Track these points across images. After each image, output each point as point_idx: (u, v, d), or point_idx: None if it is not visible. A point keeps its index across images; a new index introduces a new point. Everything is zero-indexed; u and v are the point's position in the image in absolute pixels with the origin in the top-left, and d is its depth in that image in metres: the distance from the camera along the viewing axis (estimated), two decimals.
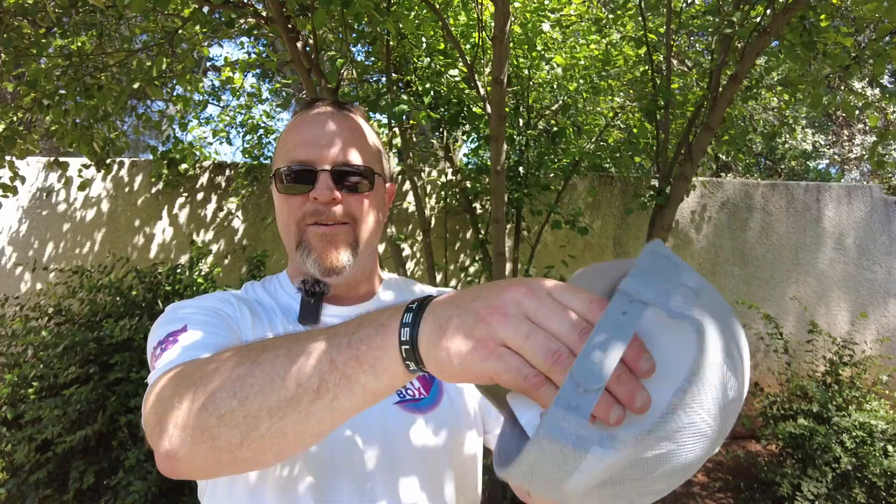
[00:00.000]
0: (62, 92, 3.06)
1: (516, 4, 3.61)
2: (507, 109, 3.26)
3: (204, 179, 4.73)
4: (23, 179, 3.39)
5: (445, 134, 4.22)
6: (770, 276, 4.99)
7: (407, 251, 4.69)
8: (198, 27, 3.36)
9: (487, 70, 3.46)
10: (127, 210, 4.63)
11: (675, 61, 4.29)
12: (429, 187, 4.78)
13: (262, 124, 4.99)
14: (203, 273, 3.86)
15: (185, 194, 4.68)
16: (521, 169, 3.82)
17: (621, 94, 4.38)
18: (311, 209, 0.85)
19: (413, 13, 3.46)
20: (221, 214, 4.69)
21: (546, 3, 3.77)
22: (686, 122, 3.63)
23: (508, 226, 3.71)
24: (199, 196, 4.71)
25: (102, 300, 3.49)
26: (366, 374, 0.50)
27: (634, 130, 4.19)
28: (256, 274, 3.98)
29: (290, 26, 2.68)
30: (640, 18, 3.76)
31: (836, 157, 10.15)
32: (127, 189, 4.66)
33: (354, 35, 3.57)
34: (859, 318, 4.89)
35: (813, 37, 2.75)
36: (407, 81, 3.90)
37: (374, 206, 0.91)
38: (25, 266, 4.45)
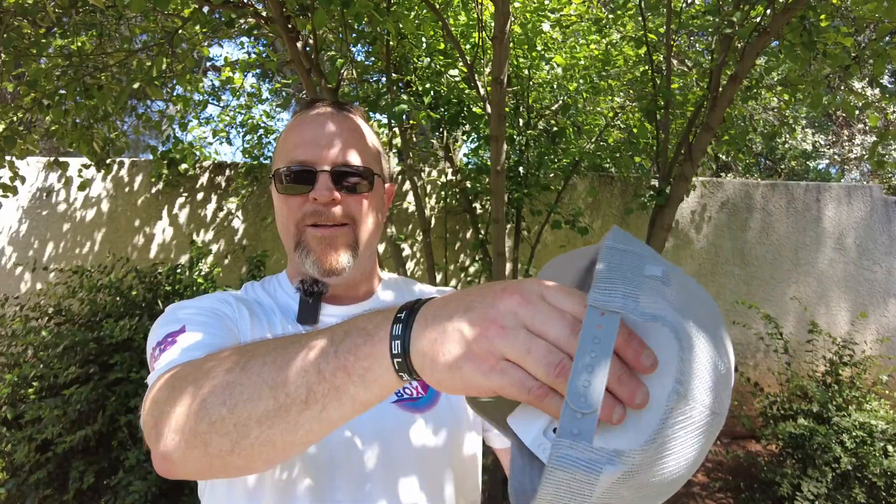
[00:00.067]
0: (62, 92, 3.06)
1: (516, 4, 3.61)
2: (507, 109, 3.26)
3: (204, 179, 4.73)
4: (23, 179, 3.39)
5: (445, 134, 4.22)
6: (770, 276, 4.99)
7: (407, 251, 4.69)
8: (198, 27, 3.36)
9: (487, 70, 3.46)
10: (127, 210, 4.63)
11: (675, 61, 4.29)
12: (429, 187, 4.78)
13: (262, 124, 4.99)
14: (203, 273, 3.86)
15: (185, 194, 4.68)
16: (521, 169, 3.82)
17: (621, 94, 4.38)
18: (310, 209, 0.86)
19: (413, 13, 3.46)
20: (221, 214, 4.70)
21: (546, 3, 3.77)
22: (686, 122, 3.63)
23: (508, 226, 3.71)
24: (199, 196, 4.71)
25: (102, 300, 3.49)
26: (355, 385, 0.49)
27: (634, 130, 4.19)
28: (256, 274, 3.98)
29: (290, 26, 2.68)
30: (640, 18, 3.76)
31: (836, 157, 10.15)
32: (127, 189, 4.66)
33: (354, 35, 3.57)
34: (859, 318, 4.89)
35: (813, 37, 2.75)
36: (407, 81, 3.90)
37: (373, 206, 0.91)
38: (25, 266, 4.45)
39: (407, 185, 4.63)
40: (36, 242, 4.52)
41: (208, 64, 7.75)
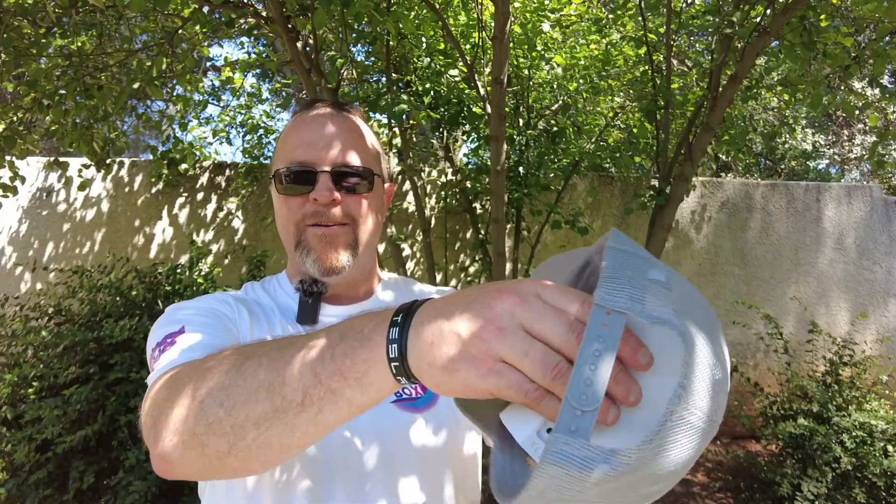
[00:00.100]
0: (62, 92, 3.06)
1: (516, 4, 3.61)
2: (507, 109, 3.26)
3: (204, 179, 4.73)
4: (23, 179, 3.39)
5: (445, 134, 4.22)
6: (770, 276, 4.99)
7: (407, 251, 4.69)
8: (198, 27, 3.36)
9: (487, 70, 3.46)
10: (127, 210, 4.63)
11: (675, 61, 4.29)
12: (429, 187, 4.78)
13: (262, 124, 4.99)
14: (203, 273, 3.86)
15: (185, 194, 4.69)
16: (521, 169, 3.82)
17: (621, 94, 4.38)
18: (311, 210, 0.86)
19: (413, 13, 3.46)
20: (221, 214, 4.70)
21: (546, 3, 3.77)
22: (686, 122, 3.63)
23: (508, 226, 3.71)
24: (199, 196, 4.71)
25: (102, 300, 3.49)
26: (351, 389, 0.49)
27: (634, 130, 4.19)
28: (256, 274, 3.98)
29: (290, 26, 2.68)
30: (640, 18, 3.76)
31: (836, 157, 10.15)
32: (127, 189, 4.66)
33: (354, 35, 3.57)
34: (859, 318, 4.89)
35: (813, 37, 2.75)
36: (407, 81, 3.90)
37: (373, 206, 0.91)
38: (25, 266, 4.45)
39: (407, 185, 4.63)
40: (36, 242, 4.52)
41: (208, 64, 7.75)
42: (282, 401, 0.51)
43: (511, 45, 3.44)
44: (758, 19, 2.94)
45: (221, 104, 5.42)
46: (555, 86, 3.99)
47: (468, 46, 3.74)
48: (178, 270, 3.74)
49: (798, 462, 3.48)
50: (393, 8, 3.16)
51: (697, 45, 5.66)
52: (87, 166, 3.81)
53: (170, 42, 3.05)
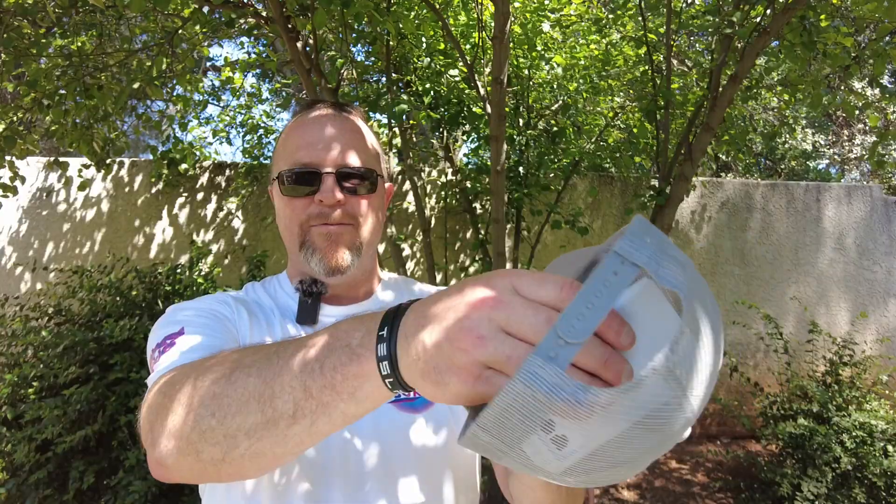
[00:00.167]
0: (62, 92, 3.07)
1: (516, 4, 3.61)
2: (507, 109, 3.26)
3: (204, 179, 4.73)
4: (23, 179, 3.39)
5: (445, 134, 4.22)
6: (770, 276, 4.99)
7: (407, 251, 4.69)
8: (198, 27, 3.36)
9: (487, 70, 3.46)
10: (127, 210, 4.63)
11: (675, 61, 4.29)
12: (429, 187, 4.78)
13: (262, 124, 4.99)
14: (203, 273, 3.86)
15: (185, 194, 4.69)
16: (521, 169, 3.82)
17: (621, 94, 4.38)
18: (315, 211, 0.86)
19: (413, 13, 3.46)
20: (221, 214, 4.70)
21: (546, 3, 3.77)
22: (686, 122, 3.63)
23: (508, 226, 3.71)
24: (199, 196, 4.71)
25: (102, 300, 3.49)
26: (345, 403, 0.49)
27: (634, 130, 4.19)
28: (256, 274, 3.98)
29: (290, 26, 2.68)
30: (640, 18, 3.77)
31: (836, 157, 10.15)
32: (127, 189, 4.66)
33: (354, 35, 3.57)
34: (859, 318, 4.89)
35: (813, 37, 2.75)
36: (407, 81, 3.90)
37: (375, 207, 0.91)
38: (25, 266, 4.45)
39: (407, 185, 4.63)
40: (36, 242, 4.52)
41: (208, 64, 7.75)
42: (273, 412, 0.51)
43: (511, 45, 3.44)
44: (758, 19, 2.94)
45: (221, 104, 5.42)
46: (555, 86, 3.99)
47: (468, 46, 3.74)
48: (178, 270, 3.74)
49: (798, 462, 3.48)
50: (393, 8, 3.16)
51: (697, 45, 5.66)
52: (87, 166, 3.81)
53: (170, 42, 3.05)
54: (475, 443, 0.41)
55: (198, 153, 4.95)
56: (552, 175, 4.32)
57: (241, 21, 3.21)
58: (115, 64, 3.34)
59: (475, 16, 3.55)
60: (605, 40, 4.07)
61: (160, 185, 4.64)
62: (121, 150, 3.81)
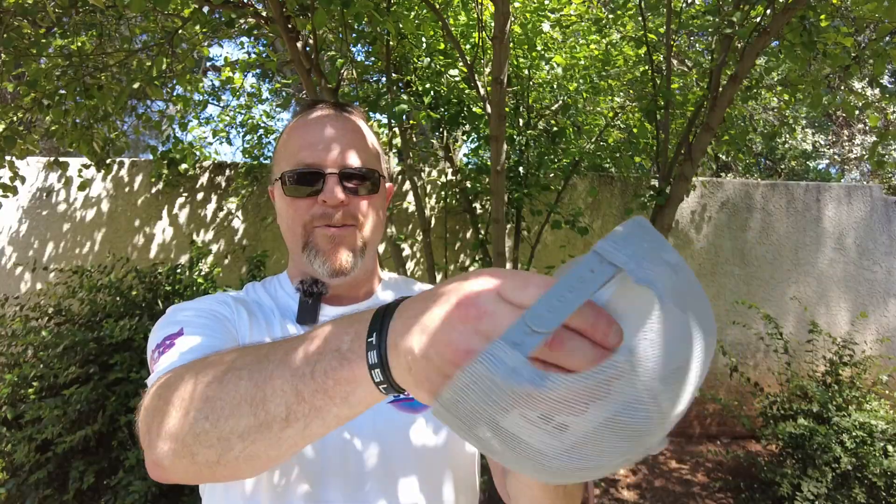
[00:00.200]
0: (62, 92, 3.07)
1: (516, 4, 3.61)
2: (507, 109, 3.26)
3: (204, 179, 4.73)
4: (23, 179, 3.39)
5: (445, 134, 4.22)
6: (770, 276, 4.99)
7: (407, 251, 4.69)
8: (198, 27, 3.36)
9: (487, 70, 3.46)
10: (127, 210, 4.63)
11: (675, 61, 4.29)
12: (429, 187, 4.78)
13: (262, 124, 4.99)
14: (203, 273, 3.86)
15: (185, 194, 4.69)
16: (521, 169, 3.82)
17: (621, 94, 4.38)
18: (319, 212, 0.86)
19: (413, 13, 3.46)
20: (221, 214, 4.70)
21: (546, 3, 3.77)
22: (686, 122, 3.63)
23: (508, 226, 3.71)
24: (199, 196, 4.71)
25: (102, 300, 3.49)
26: (338, 407, 0.49)
27: (634, 130, 4.19)
28: (256, 274, 3.98)
29: (290, 26, 2.68)
30: (640, 18, 3.77)
31: (836, 157, 10.15)
32: (127, 189, 4.66)
33: (354, 35, 3.57)
34: (859, 318, 4.89)
35: (813, 37, 2.75)
36: (407, 81, 3.90)
37: (377, 207, 0.92)
38: (25, 266, 4.45)
39: (407, 185, 4.63)
40: (36, 242, 4.52)
41: (208, 64, 7.75)
42: (266, 416, 0.51)
43: (511, 45, 3.44)
44: (758, 19, 2.94)
45: (221, 104, 5.42)
46: (555, 86, 3.99)
47: (468, 46, 3.74)
48: (178, 270, 3.74)
49: (798, 462, 3.48)
50: (393, 8, 3.16)
51: (697, 45, 5.66)
52: (87, 166, 3.81)
53: (170, 42, 3.05)
54: (439, 415, 0.40)
55: (198, 153, 4.95)
56: (552, 175, 4.32)
57: (241, 21, 3.21)
58: (115, 64, 3.34)
59: (475, 16, 3.55)
60: (605, 40, 4.07)
61: (160, 185, 4.64)
62: (121, 150, 3.81)
